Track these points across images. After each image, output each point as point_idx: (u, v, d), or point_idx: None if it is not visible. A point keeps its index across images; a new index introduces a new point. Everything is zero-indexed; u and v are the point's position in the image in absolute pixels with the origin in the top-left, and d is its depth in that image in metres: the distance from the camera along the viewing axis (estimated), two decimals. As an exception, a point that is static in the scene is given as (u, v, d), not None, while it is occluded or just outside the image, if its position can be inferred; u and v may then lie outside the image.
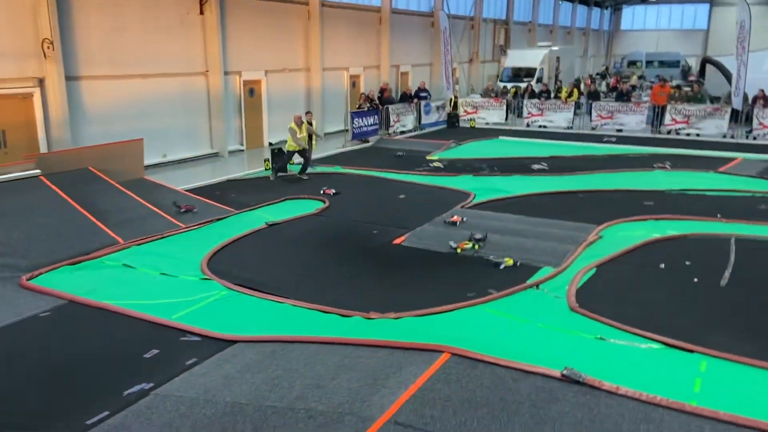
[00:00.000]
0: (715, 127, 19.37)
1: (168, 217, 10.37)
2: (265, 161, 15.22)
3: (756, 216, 10.42)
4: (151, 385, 5.25)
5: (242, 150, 18.08)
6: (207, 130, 16.97)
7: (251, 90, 18.35)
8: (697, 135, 19.51)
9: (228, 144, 17.34)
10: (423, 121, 22.45)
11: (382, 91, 21.86)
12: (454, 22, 28.30)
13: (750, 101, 19.62)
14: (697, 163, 15.25)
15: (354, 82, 23.15)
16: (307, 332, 6.22)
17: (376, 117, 20.03)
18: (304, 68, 20.32)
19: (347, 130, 19.73)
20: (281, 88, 19.33)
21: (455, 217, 10.40)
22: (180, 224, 10.13)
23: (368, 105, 20.20)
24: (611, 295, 7.20)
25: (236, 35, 17.26)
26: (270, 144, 18.27)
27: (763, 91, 19.54)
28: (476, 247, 8.91)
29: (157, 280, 7.86)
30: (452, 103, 23.47)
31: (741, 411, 4.64)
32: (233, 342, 6.05)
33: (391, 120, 20.73)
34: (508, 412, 4.65)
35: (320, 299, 7.07)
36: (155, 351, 5.91)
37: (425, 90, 23.22)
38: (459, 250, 8.86)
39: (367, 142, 19.42)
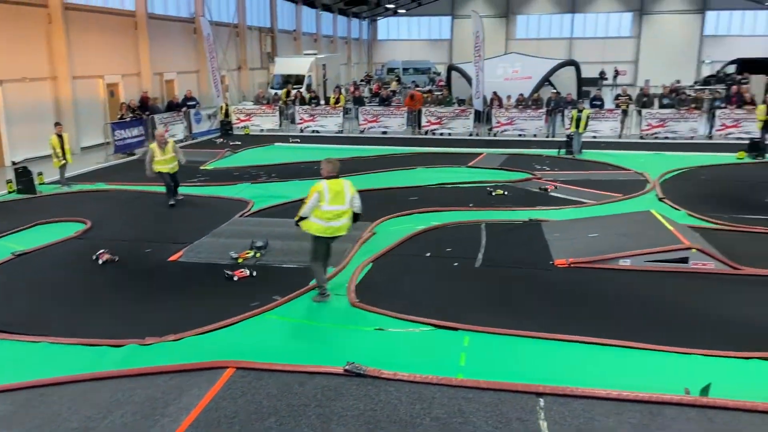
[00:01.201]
0: (463, 126, 21.79)
1: None
2: (7, 182, 13.28)
3: (499, 203, 11.96)
4: None
5: (-24, 171, 15.53)
6: (-76, 150, 14.23)
7: (-18, 102, 15.84)
8: (449, 134, 21.76)
9: (-45, 165, 14.77)
10: (194, 130, 21.57)
11: (143, 100, 20.45)
12: (218, 29, 27.64)
13: (488, 102, 22.44)
14: (453, 159, 16.98)
15: (112, 91, 21.31)
16: (71, 371, 5.56)
17: (141, 128, 18.69)
18: (50, 77, 18.14)
19: (109, 143, 18.08)
20: (22, 99, 17.01)
21: (550, 185, 11.48)
22: None
23: (131, 115, 18.78)
24: (386, 287, 7.68)
25: (-45, 38, 14.76)
26: (13, 163, 15.97)
27: (495, 93, 22.49)
28: (258, 255, 8.83)
29: None
30: (224, 111, 22.92)
31: (499, 377, 5.27)
32: (-25, 397, 5.16)
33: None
34: (295, 416, 4.68)
35: (86, 332, 6.37)
36: None
37: (193, 98, 22.32)
38: (240, 260, 8.69)
39: (133, 155, 18.03)
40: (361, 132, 22.27)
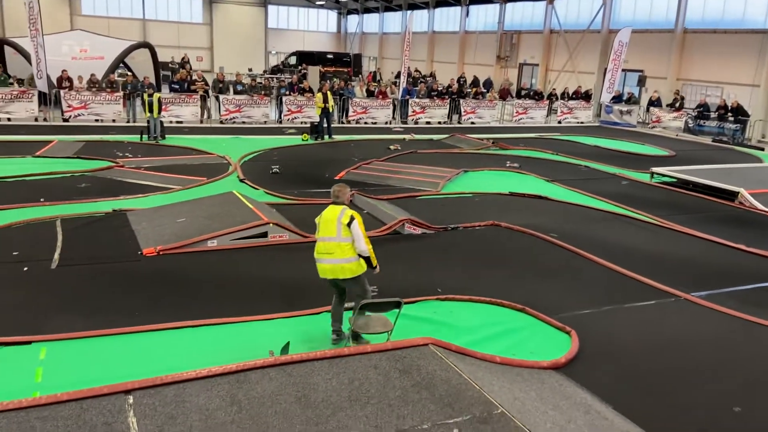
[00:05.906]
0: (26, 110, 18.96)
1: None
2: None
3: (77, 194, 10.90)
4: None
5: None
6: None
7: None
8: (9, 119, 18.64)
9: None
10: None
11: None
12: None
13: (56, 83, 19.93)
14: (14, 149, 14.62)
15: None
16: None
17: None
18: None
19: None
20: None
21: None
22: None
23: None
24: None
25: None
26: None
27: (65, 71, 20.09)
28: None
29: None
30: None
31: (85, 384, 4.74)
32: None
33: None
34: None
35: None
36: None
37: None
38: None
39: None
40: None
